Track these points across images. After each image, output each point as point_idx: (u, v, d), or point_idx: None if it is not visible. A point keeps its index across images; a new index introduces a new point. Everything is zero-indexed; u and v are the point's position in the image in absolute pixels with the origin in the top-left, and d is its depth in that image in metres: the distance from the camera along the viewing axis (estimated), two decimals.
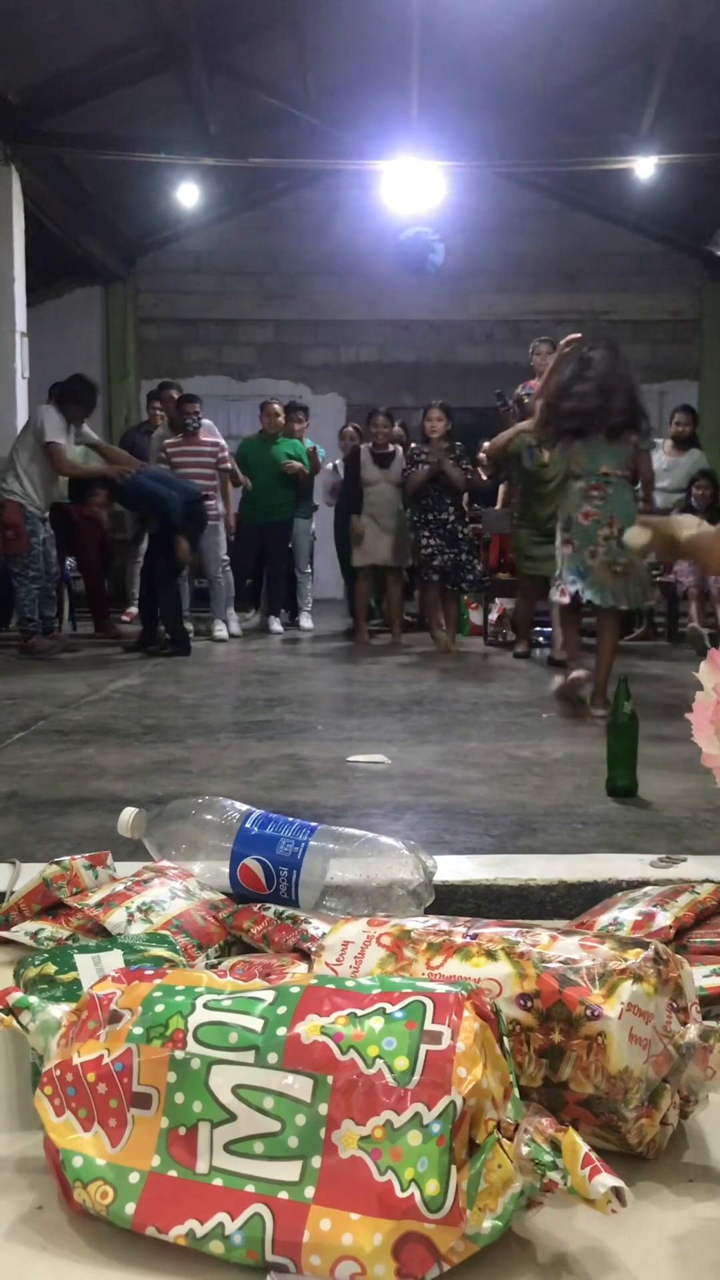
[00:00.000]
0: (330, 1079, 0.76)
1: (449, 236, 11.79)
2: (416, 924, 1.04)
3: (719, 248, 12.40)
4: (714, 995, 1.16)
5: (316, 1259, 0.72)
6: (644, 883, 1.48)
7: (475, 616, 8.95)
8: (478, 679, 6.08)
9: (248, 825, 1.43)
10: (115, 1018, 0.84)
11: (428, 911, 1.34)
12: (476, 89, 10.26)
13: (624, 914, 1.32)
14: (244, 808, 1.48)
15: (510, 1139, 0.75)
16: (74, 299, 12.83)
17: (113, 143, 9.86)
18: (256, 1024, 0.80)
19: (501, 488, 9.10)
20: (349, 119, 9.95)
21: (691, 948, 1.26)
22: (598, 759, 3.22)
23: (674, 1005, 0.90)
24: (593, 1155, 0.73)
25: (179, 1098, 0.79)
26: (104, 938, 1.23)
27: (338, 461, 9.19)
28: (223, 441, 8.36)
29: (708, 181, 10.97)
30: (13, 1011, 0.90)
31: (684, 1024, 0.90)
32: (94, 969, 1.07)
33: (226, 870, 1.42)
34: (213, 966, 1.19)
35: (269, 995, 0.83)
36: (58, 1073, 0.84)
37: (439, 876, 1.41)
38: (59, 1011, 0.90)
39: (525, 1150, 0.75)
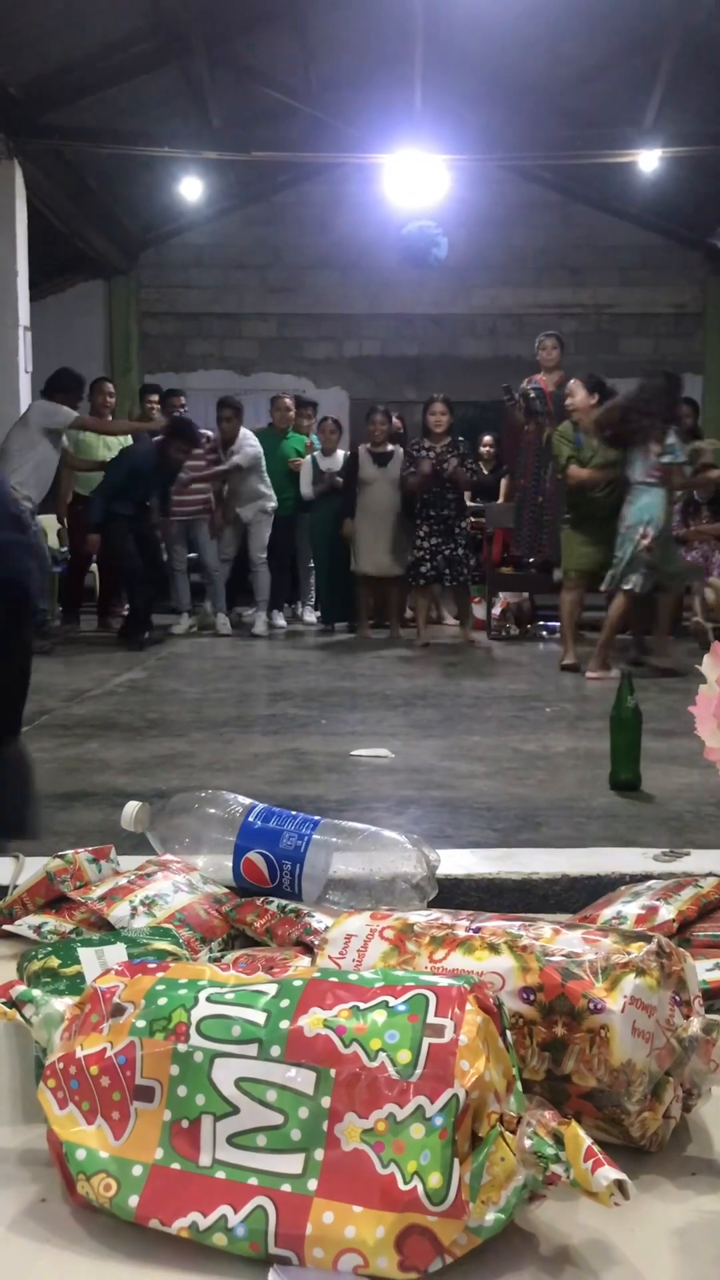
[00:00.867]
0: (333, 1072, 0.76)
1: (452, 230, 11.77)
2: (419, 917, 1.04)
3: None
4: (717, 989, 1.15)
5: (319, 1251, 0.73)
6: (647, 877, 1.48)
7: (478, 610, 8.95)
8: (481, 673, 6.08)
9: (251, 819, 1.43)
10: (118, 1011, 0.85)
11: (431, 905, 1.35)
12: (479, 82, 10.24)
13: (627, 908, 1.32)
14: (247, 802, 1.48)
15: (513, 1132, 0.75)
16: (77, 293, 12.82)
17: (115, 137, 9.84)
18: (259, 1017, 0.80)
19: (503, 482, 9.10)
20: (352, 112, 9.93)
21: (695, 941, 1.26)
22: (601, 753, 3.22)
23: (677, 999, 0.90)
24: (595, 1148, 0.73)
25: (182, 1090, 0.79)
26: (107, 931, 1.24)
27: (316, 454, 9.16)
28: (211, 433, 8.36)
29: (711, 174, 10.94)
30: (16, 1005, 0.90)
31: (687, 1017, 0.90)
32: (97, 962, 1.08)
33: (230, 864, 1.42)
34: (216, 960, 1.19)
35: (272, 988, 0.83)
36: (61, 1066, 0.84)
37: (442, 870, 1.41)
38: (62, 1005, 0.90)
39: (528, 1143, 0.75)
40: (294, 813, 1.46)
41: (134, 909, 1.27)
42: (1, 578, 2.22)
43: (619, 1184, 0.71)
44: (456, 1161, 0.72)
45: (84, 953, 1.09)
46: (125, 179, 11.12)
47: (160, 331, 13.30)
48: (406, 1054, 0.75)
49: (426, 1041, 0.76)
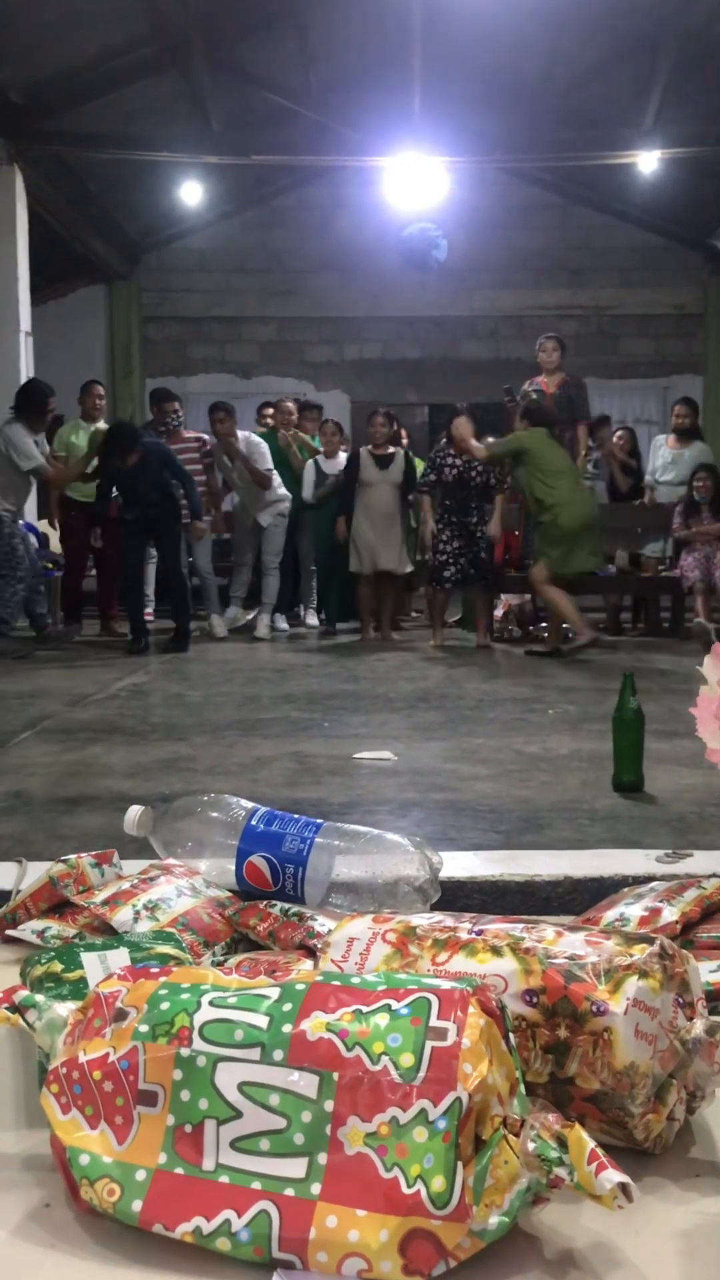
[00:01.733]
0: (336, 1075, 0.76)
1: (452, 232, 11.77)
2: (422, 920, 1.04)
3: None
4: None
5: (323, 1255, 0.73)
6: (650, 878, 1.48)
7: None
8: (484, 675, 6.07)
9: (253, 823, 1.43)
10: (121, 1015, 0.85)
11: (434, 908, 1.35)
12: (479, 84, 10.24)
13: (630, 909, 1.32)
14: (250, 805, 1.48)
15: (516, 1135, 0.75)
16: (78, 298, 12.84)
17: (116, 141, 9.86)
18: (262, 1021, 0.80)
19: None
20: (352, 115, 9.93)
21: (698, 943, 1.25)
22: (604, 754, 3.21)
23: (680, 1000, 0.90)
24: (599, 1151, 0.73)
25: (185, 1095, 0.79)
26: (110, 936, 1.24)
27: (319, 457, 9.15)
28: (206, 436, 8.35)
29: (711, 175, 10.95)
30: (19, 1010, 0.91)
31: (690, 1019, 0.90)
32: (100, 967, 1.08)
33: (233, 867, 1.42)
34: (219, 964, 1.19)
35: (274, 992, 0.83)
36: (64, 1070, 0.84)
37: (445, 873, 1.41)
38: (65, 1009, 0.90)
39: (531, 1146, 0.75)
40: (296, 816, 1.46)
41: (137, 913, 1.27)
42: None
43: (623, 1187, 0.71)
44: (460, 1165, 0.72)
45: (87, 957, 1.09)
46: (126, 183, 11.13)
47: (161, 335, 13.31)
48: (409, 1057, 0.75)
49: (429, 1045, 0.76)
